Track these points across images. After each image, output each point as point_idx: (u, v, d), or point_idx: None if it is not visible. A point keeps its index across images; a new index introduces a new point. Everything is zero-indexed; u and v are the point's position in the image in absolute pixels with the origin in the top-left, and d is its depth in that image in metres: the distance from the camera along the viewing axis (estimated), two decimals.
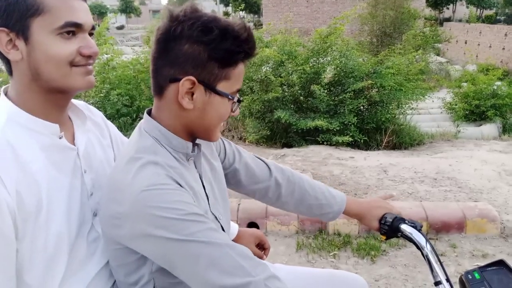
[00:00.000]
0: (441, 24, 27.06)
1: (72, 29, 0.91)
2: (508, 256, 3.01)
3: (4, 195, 0.79)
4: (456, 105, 9.34)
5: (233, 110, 0.97)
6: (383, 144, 5.82)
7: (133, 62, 6.72)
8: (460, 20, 34.94)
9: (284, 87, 6.00)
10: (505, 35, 18.73)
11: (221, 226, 1.03)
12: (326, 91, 5.85)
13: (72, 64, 0.92)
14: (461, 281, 1.03)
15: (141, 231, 0.83)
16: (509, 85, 10.18)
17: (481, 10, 41.36)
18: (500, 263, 1.01)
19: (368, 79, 5.86)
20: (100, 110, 1.20)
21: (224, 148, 1.24)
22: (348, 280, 1.31)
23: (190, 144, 0.98)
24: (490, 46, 19.64)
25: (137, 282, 0.93)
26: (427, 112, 9.86)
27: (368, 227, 1.33)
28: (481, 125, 8.46)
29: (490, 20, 38.59)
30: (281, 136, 5.94)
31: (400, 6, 16.77)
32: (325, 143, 5.56)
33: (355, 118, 5.71)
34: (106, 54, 7.25)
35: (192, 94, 0.90)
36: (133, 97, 6.23)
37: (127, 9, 53.80)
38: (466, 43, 21.66)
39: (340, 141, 5.41)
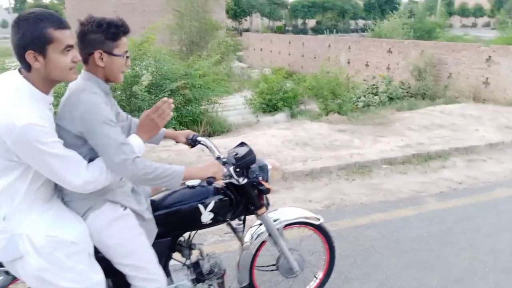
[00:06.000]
0: (240, 34, 30.23)
1: (68, 48, 1.57)
2: (286, 189, 4.48)
3: (47, 129, 1.51)
4: (255, 100, 11.32)
5: (126, 63, 1.78)
6: (200, 133, 7.01)
7: None
8: (257, 31, 39.28)
9: None
10: (289, 42, 22.31)
11: None
12: (146, 92, 6.71)
13: (69, 68, 1.59)
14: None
15: (88, 124, 1.61)
16: (296, 83, 12.81)
17: (273, 22, 47.57)
18: (243, 144, 2.10)
19: (181, 80, 6.96)
20: None
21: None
22: None
23: (108, 87, 1.79)
24: (279, 52, 22.99)
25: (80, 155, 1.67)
26: (234, 108, 11.67)
27: (182, 143, 2.26)
28: (274, 114, 10.53)
29: (280, 30, 44.77)
30: None
31: (204, 18, 18.60)
32: None
33: (175, 113, 6.74)
34: None
35: (102, 58, 1.72)
36: None
37: None
38: (261, 50, 24.95)
39: None
